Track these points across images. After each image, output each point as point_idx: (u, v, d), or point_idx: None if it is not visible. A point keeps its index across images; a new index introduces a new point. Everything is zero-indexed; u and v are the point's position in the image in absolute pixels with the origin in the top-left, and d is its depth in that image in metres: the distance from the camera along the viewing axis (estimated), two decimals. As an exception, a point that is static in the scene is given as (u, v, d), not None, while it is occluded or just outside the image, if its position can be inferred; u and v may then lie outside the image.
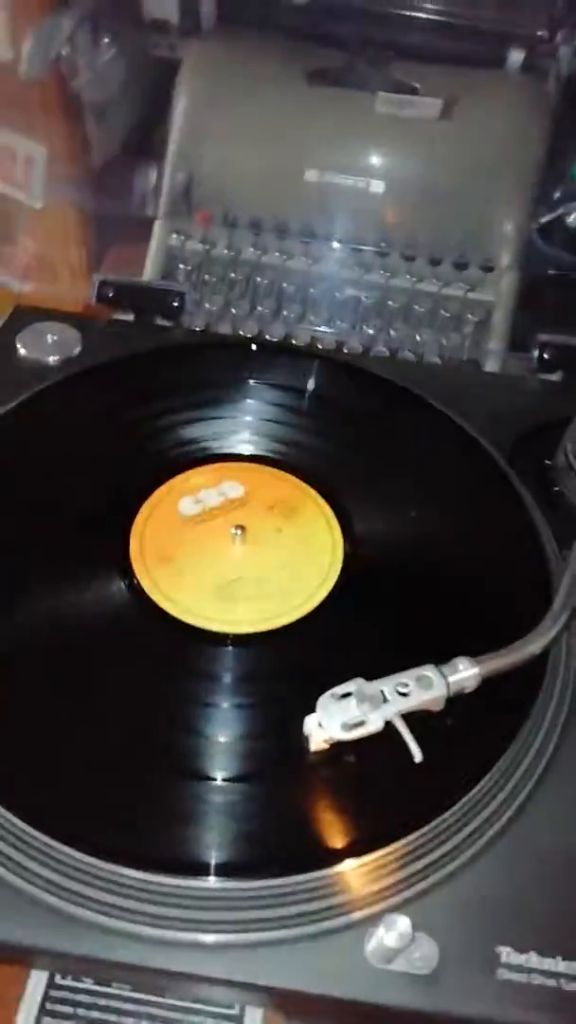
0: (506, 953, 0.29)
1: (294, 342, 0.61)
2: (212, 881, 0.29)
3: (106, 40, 0.60)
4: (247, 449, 0.46)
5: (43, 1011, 0.34)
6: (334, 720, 0.31)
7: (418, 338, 0.62)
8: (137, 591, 0.38)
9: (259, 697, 0.36)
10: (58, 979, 0.35)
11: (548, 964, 0.29)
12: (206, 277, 0.65)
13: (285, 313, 0.63)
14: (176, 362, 0.52)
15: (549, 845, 0.32)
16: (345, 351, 0.61)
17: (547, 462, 0.46)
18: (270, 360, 0.52)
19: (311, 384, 0.51)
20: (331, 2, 0.42)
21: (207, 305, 0.63)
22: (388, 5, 0.40)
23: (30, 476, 0.44)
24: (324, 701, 0.32)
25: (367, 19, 0.39)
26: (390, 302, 0.63)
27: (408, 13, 0.40)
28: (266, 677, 0.36)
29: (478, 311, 0.63)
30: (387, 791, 0.32)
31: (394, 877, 0.30)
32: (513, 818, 0.32)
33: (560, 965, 0.29)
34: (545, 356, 0.54)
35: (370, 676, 0.33)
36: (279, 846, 0.31)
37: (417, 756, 0.30)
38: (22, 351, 0.52)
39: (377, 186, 0.63)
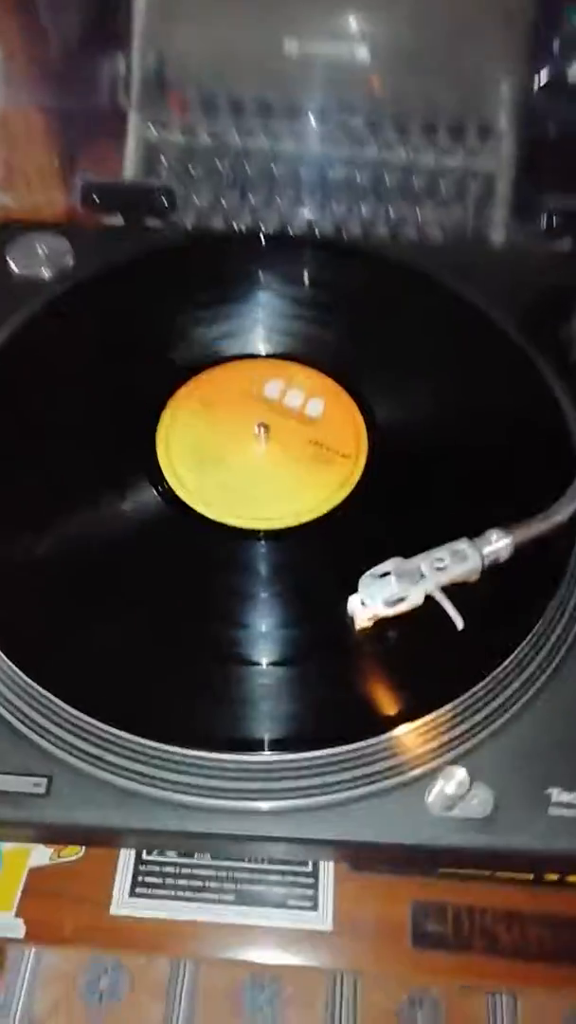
0: (556, 792, 0.32)
1: (290, 230, 0.59)
2: (266, 755, 0.32)
3: None
4: (268, 346, 0.47)
5: (136, 883, 0.38)
6: (376, 598, 0.32)
7: (418, 215, 0.60)
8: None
9: (296, 586, 0.37)
10: (144, 855, 0.38)
11: (596, 798, 0.31)
12: (191, 170, 0.62)
13: (278, 200, 0.61)
14: (190, 261, 0.52)
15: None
16: (344, 235, 0.59)
17: (559, 333, 0.46)
18: (284, 254, 0.52)
19: (321, 276, 0.50)
20: None
21: (195, 200, 0.61)
22: None
23: (56, 379, 0.45)
24: (365, 580, 0.33)
25: None
26: (386, 178, 0.61)
27: None
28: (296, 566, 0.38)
29: (479, 181, 0.60)
30: (433, 660, 0.34)
31: (447, 736, 0.32)
32: (552, 675, 0.34)
33: (607, 798, 0.31)
34: (553, 223, 0.52)
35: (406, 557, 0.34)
36: (339, 718, 0.33)
37: (459, 624, 0.32)
38: (14, 268, 0.50)
39: (362, 52, 0.59)
